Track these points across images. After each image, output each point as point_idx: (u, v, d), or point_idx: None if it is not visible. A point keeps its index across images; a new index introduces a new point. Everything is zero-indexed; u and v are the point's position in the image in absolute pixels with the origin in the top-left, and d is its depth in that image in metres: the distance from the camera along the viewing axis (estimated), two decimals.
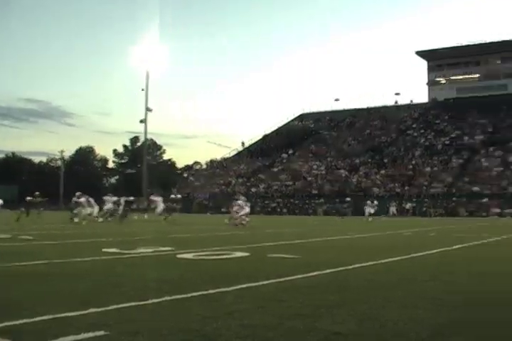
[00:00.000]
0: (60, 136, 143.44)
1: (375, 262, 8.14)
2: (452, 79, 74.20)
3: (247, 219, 21.87)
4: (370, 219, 32.27)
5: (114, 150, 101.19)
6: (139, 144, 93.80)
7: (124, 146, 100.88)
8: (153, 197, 28.61)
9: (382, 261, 8.38)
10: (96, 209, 25.66)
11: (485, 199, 44.89)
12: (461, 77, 73.71)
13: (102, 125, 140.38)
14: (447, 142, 59.12)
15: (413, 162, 55.86)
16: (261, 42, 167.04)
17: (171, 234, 16.24)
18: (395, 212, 42.45)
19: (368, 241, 14.79)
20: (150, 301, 4.61)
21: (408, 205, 46.66)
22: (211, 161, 76.62)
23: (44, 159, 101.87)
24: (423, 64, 77.50)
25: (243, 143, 75.40)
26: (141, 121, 61.60)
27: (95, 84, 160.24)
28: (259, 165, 65.52)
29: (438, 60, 74.21)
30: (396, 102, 75.79)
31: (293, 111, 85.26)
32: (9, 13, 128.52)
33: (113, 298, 4.69)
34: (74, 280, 5.93)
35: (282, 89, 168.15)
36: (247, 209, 22.40)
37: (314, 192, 54.51)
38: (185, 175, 73.88)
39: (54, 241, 12.59)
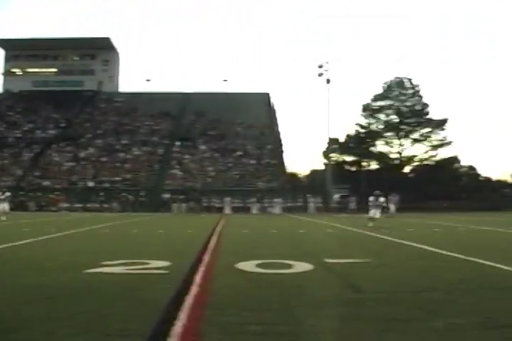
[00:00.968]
0: None
1: None
2: (29, 72, 72.65)
3: None
4: None
5: None
6: None
7: None
8: None
9: None
10: None
11: (55, 194, 45.01)
12: (38, 70, 72.81)
13: None
14: (19, 135, 57.41)
15: None
16: None
17: None
18: None
19: None
20: None
21: None
22: None
23: None
24: (1, 53, 73.60)
25: None
26: None
27: None
28: None
29: (16, 50, 71.54)
30: None
31: None
32: None
33: None
34: None
35: None
36: None
37: None
38: None
39: None
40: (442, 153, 61.39)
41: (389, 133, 61.34)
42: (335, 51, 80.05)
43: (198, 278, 6.01)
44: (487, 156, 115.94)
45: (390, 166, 60.68)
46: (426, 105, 60.92)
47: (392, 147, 61.72)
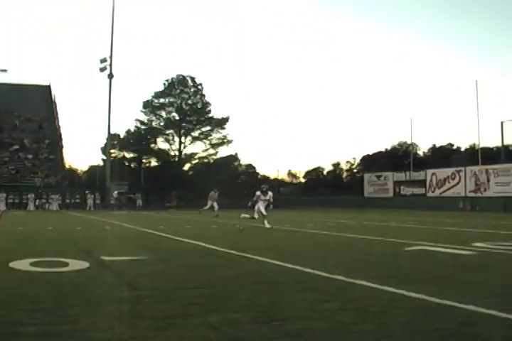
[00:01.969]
0: None
1: None
2: None
3: None
4: None
5: None
6: None
7: None
8: None
9: None
10: None
11: None
12: None
13: None
14: None
15: None
16: None
17: None
18: None
19: None
20: None
21: None
22: None
23: None
24: None
25: None
26: None
27: None
28: None
29: None
30: None
31: None
32: None
33: None
34: None
35: None
36: None
37: None
38: None
39: None
40: (223, 151, 63.87)
41: (170, 131, 61.97)
42: (119, 46, 78.96)
43: None
44: (264, 155, 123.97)
45: (170, 163, 61.49)
46: (208, 104, 62.59)
47: (172, 144, 62.52)
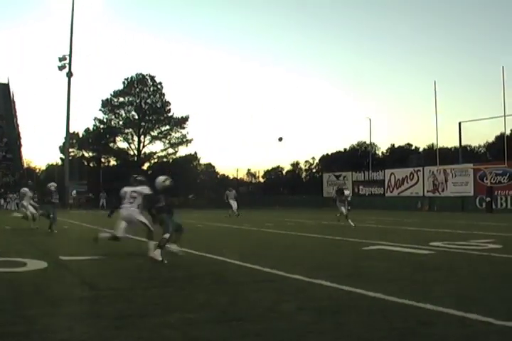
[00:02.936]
0: None
1: None
2: None
3: None
4: None
5: None
6: None
7: None
8: None
9: None
10: None
11: None
12: None
13: None
14: None
15: None
16: None
17: None
18: None
19: None
20: None
21: None
22: None
23: None
24: None
25: None
26: None
27: None
28: None
29: None
30: None
31: None
32: None
33: None
34: None
35: None
36: None
37: None
38: None
39: None
40: (182, 151, 63.52)
41: (129, 130, 61.34)
42: (78, 44, 77.44)
43: None
44: (224, 154, 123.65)
45: (129, 163, 60.83)
46: (167, 103, 62.21)
47: (131, 143, 61.88)
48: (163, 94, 62.09)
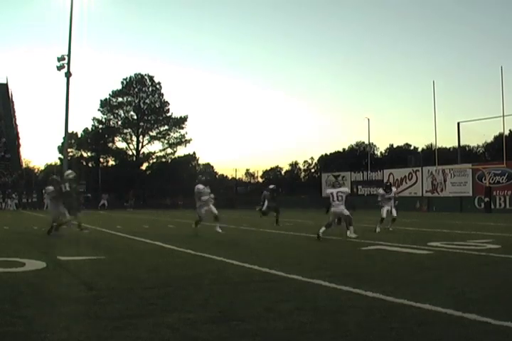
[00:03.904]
0: None
1: None
2: None
3: None
4: None
5: None
6: None
7: None
8: None
9: None
10: None
11: None
12: None
13: None
14: None
15: None
16: None
17: None
18: None
19: None
20: None
21: None
22: None
23: None
24: None
25: None
26: None
27: None
28: None
29: None
30: None
31: None
32: None
33: None
34: None
35: None
36: None
37: None
38: None
39: None
40: (181, 151, 63.49)
41: (127, 130, 61.30)
42: (77, 44, 77.33)
43: None
44: (222, 154, 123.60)
45: (128, 163, 60.81)
46: (166, 103, 62.17)
47: (130, 144, 61.83)
48: (162, 94, 62.10)
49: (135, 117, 61.13)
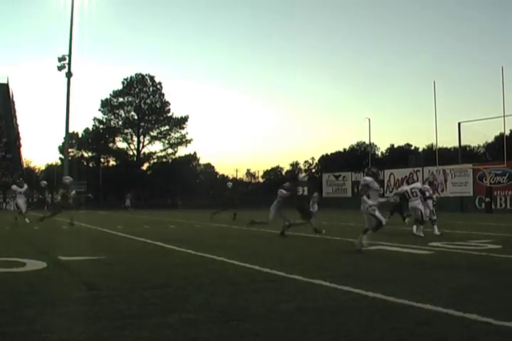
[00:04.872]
0: None
1: None
2: None
3: None
4: None
5: None
6: None
7: None
8: None
9: None
10: None
11: None
12: None
13: None
14: None
15: None
16: None
17: None
18: None
19: None
20: None
21: None
22: None
23: None
24: None
25: None
26: None
27: None
28: None
29: None
30: None
31: None
32: None
33: None
34: None
35: None
36: None
37: None
38: None
39: None
40: (182, 151, 63.48)
41: (128, 130, 61.33)
42: (78, 44, 77.10)
43: None
44: (223, 154, 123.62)
45: (129, 163, 60.82)
46: (167, 103, 62.17)
47: (131, 144, 61.86)
48: (163, 94, 62.10)
49: (136, 117, 61.13)
